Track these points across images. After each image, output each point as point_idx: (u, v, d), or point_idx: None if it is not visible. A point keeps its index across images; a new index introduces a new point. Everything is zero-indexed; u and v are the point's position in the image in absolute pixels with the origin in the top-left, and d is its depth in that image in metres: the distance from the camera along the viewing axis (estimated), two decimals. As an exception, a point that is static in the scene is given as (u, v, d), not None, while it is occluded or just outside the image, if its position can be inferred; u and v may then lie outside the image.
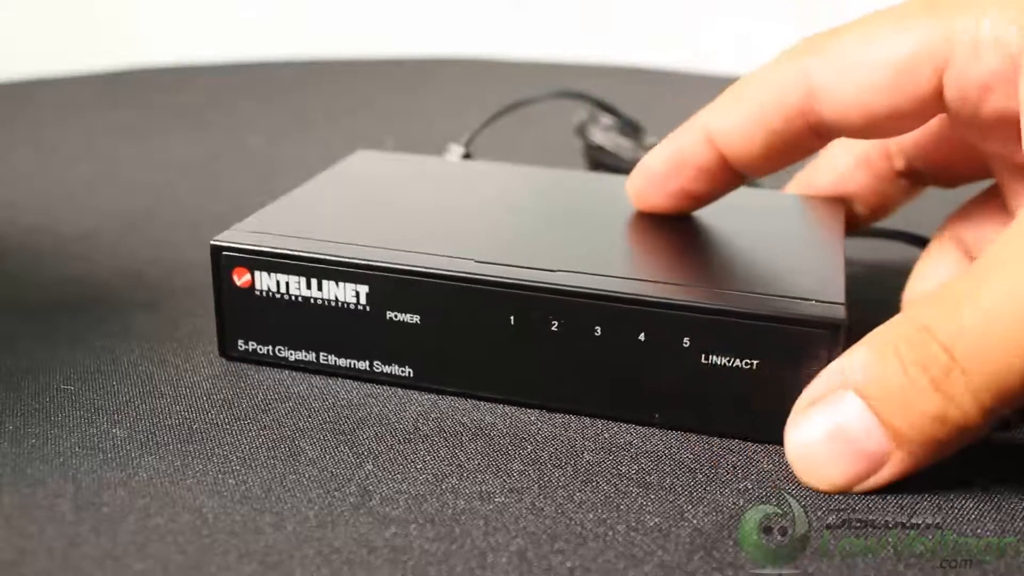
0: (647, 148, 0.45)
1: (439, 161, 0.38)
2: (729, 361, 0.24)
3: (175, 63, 0.73)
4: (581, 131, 0.48)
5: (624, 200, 0.32)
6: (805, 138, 0.27)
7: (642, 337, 0.25)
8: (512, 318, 0.26)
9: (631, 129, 0.47)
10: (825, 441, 0.23)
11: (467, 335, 0.26)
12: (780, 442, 0.24)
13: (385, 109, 0.64)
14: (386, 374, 0.27)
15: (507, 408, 0.27)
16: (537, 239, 0.28)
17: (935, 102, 0.25)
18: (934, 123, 0.30)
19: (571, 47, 0.79)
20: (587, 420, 0.26)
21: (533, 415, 0.26)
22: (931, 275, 0.31)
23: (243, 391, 0.27)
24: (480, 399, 0.27)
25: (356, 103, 0.65)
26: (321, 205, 0.31)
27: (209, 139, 0.55)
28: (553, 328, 0.25)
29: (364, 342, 0.27)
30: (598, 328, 0.25)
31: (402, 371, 0.27)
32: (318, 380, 0.28)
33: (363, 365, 0.27)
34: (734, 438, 0.25)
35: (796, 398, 0.24)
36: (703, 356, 0.25)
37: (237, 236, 0.28)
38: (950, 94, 0.25)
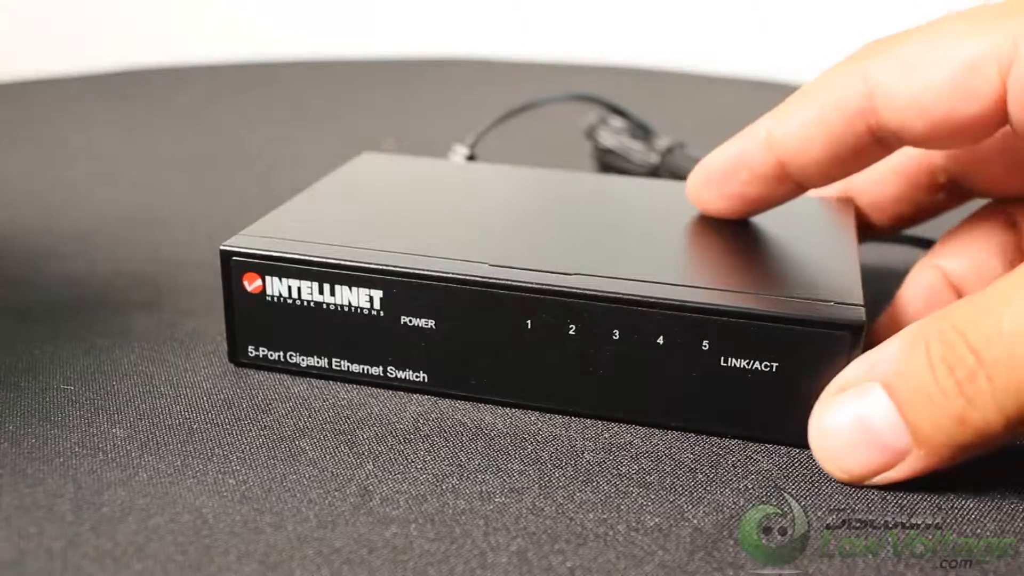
0: (658, 151, 0.45)
1: (445, 163, 0.38)
2: (748, 363, 0.24)
3: (175, 63, 0.73)
4: (591, 133, 0.48)
5: (633, 201, 0.31)
6: (865, 144, 0.26)
7: (660, 340, 0.25)
8: (529, 323, 0.25)
9: (641, 132, 0.47)
10: (848, 430, 0.23)
11: (483, 340, 0.26)
12: (800, 445, 0.24)
13: (385, 109, 0.64)
14: (400, 380, 0.27)
15: (507, 408, 0.27)
16: (549, 242, 0.28)
17: (997, 108, 0.24)
18: (995, 137, 0.28)
19: (573, 47, 0.79)
20: (587, 420, 0.26)
21: (533, 415, 0.26)
22: (910, 301, 0.30)
23: (243, 391, 0.27)
24: (491, 403, 0.27)
25: (356, 103, 0.65)
26: (329, 209, 0.31)
27: (209, 139, 0.55)
28: (570, 332, 0.25)
29: (377, 348, 0.27)
30: (616, 332, 0.25)
31: (416, 376, 0.27)
32: (318, 380, 0.28)
33: (376, 371, 0.27)
34: (754, 441, 0.25)
35: (815, 400, 0.24)
36: (722, 359, 0.24)
37: (247, 241, 0.27)
38: (1013, 97, 0.23)
